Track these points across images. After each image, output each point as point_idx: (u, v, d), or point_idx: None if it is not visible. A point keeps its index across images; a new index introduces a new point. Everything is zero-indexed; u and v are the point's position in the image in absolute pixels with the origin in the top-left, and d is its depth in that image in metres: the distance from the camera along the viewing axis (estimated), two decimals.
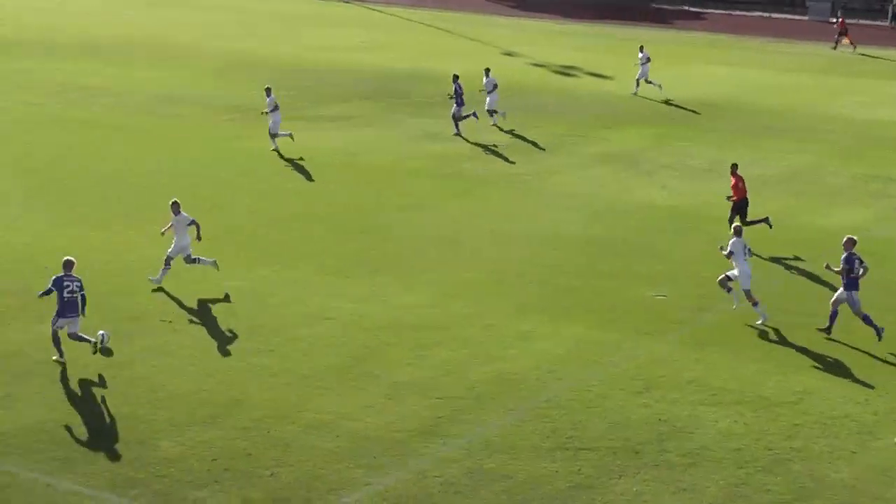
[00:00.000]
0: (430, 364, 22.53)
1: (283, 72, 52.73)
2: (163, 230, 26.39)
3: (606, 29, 71.41)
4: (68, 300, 21.71)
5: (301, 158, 37.33)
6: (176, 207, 25.89)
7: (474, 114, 41.60)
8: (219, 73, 52.21)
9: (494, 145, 39.99)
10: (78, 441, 19.17)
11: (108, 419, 19.96)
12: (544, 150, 40.09)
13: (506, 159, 38.55)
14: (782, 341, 24.05)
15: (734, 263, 24.99)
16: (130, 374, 21.63)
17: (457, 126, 41.40)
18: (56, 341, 21.91)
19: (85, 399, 20.62)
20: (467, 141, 40.39)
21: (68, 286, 21.72)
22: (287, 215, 31.69)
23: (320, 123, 42.97)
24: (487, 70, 43.07)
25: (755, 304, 24.84)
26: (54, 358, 21.88)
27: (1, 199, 31.80)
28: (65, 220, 30.24)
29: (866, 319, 23.93)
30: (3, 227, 29.19)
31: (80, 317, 21.92)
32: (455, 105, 41.46)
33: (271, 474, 18.44)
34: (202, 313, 24.62)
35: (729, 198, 30.30)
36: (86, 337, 21.99)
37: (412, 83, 41.49)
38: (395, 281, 26.93)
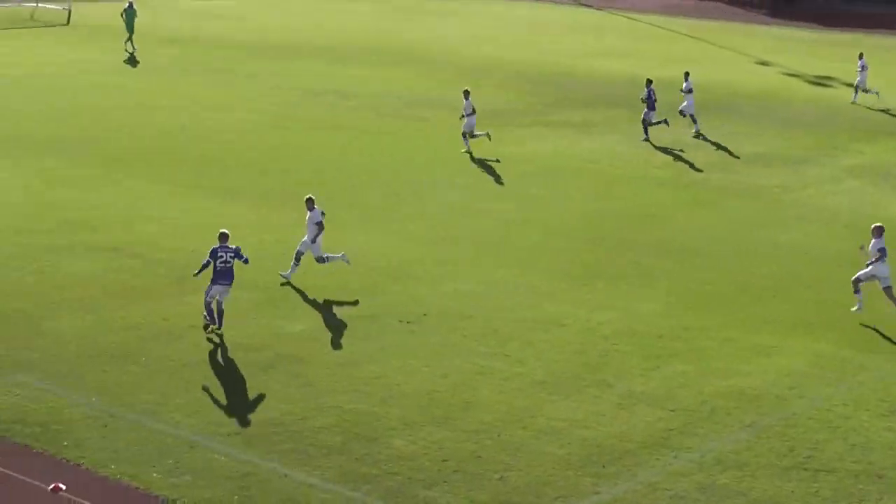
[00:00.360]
0: (664, 375, 22.17)
1: (526, 76, 52.96)
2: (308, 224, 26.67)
3: (867, 39, 68.93)
4: (221, 269, 23.21)
5: (497, 160, 37.39)
6: (310, 203, 26.35)
7: (665, 121, 41.31)
8: (463, 77, 52.74)
9: (681, 150, 39.22)
10: (314, 435, 19.63)
11: (343, 415, 20.35)
12: (795, 161, 39.03)
13: (753, 170, 37.68)
14: None
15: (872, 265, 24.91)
16: (366, 372, 22.02)
17: (646, 131, 41.09)
18: (209, 310, 23.27)
19: (321, 394, 21.08)
20: (654, 146, 39.70)
21: (222, 256, 23.20)
22: (526, 220, 31.74)
23: (562, 130, 42.91)
24: (686, 73, 42.90)
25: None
26: (210, 328, 23.02)
27: (248, 199, 32.81)
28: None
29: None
30: (255, 226, 30.12)
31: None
32: (647, 109, 41.23)
33: (500, 478, 18.46)
34: (439, 315, 24.87)
35: None
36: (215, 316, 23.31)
37: (658, 91, 41.01)
38: (632, 290, 26.63)
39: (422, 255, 28.60)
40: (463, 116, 39.10)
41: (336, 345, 23.20)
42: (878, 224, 25.57)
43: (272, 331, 23.74)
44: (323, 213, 26.32)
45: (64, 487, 17.61)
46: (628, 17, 77.56)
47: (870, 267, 25.14)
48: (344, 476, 18.36)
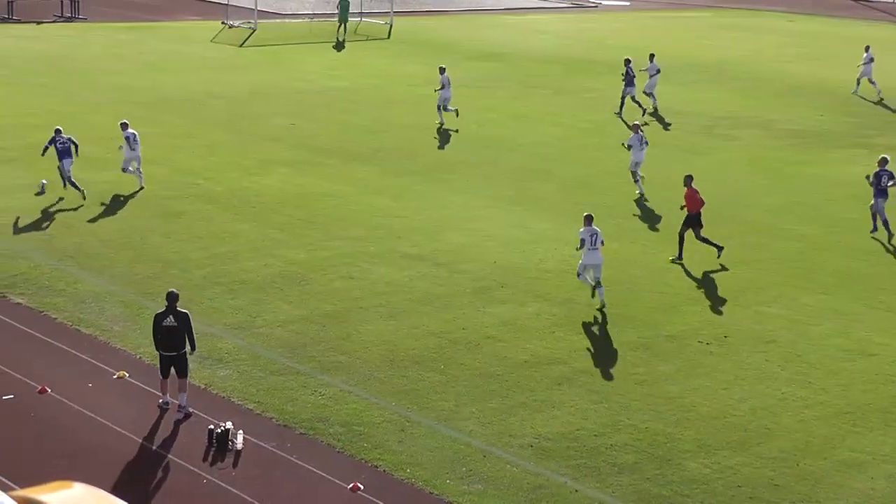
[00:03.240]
0: None
1: (841, 97, 51.19)
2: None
3: None
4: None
5: (813, 183, 36.02)
6: (588, 220, 25.84)
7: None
8: (779, 97, 51.51)
9: None
10: (607, 452, 19.52)
11: (637, 434, 20.16)
12: None
13: None
14: None
15: None
16: (663, 392, 21.75)
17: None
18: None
19: (616, 412, 20.94)
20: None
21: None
22: (835, 244, 30.65)
23: (884, 154, 41.12)
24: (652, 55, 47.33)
25: None
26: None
27: (555, 213, 32.95)
28: (614, 236, 30.88)
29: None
30: (558, 240, 30.22)
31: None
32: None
33: None
34: (740, 337, 24.32)
35: (682, 207, 29.14)
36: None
37: None
38: None
39: (723, 275, 28.03)
40: (437, 90, 43.03)
41: (633, 363, 23.03)
42: None
43: (569, 345, 23.76)
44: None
45: (362, 487, 18.16)
46: None
47: None
48: (635, 495, 18.18)
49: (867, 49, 51.70)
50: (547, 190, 35.06)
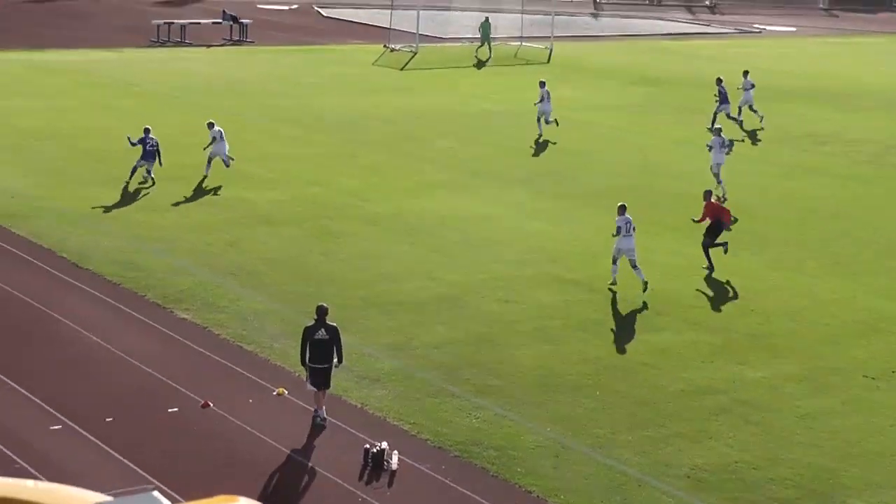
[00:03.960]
0: None
1: None
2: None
3: None
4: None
5: None
6: (621, 209, 27.91)
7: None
8: None
9: None
10: (766, 485, 19.08)
11: (798, 468, 19.69)
12: None
13: None
14: None
15: None
16: (826, 426, 21.22)
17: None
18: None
19: (777, 445, 20.49)
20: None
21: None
22: None
23: None
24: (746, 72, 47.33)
25: None
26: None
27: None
28: (777, 264, 30.31)
29: None
30: (721, 271, 29.77)
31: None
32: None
33: None
34: None
35: (697, 221, 29.90)
36: None
37: None
38: None
39: (892, 309, 27.24)
40: (536, 104, 44.27)
41: (795, 395, 22.52)
42: None
43: (727, 375, 23.35)
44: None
45: None
46: None
47: None
48: None
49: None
50: None
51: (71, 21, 72.22)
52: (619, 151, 42.70)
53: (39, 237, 30.00)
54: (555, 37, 70.97)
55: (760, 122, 47.94)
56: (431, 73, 59.88)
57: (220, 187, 35.19)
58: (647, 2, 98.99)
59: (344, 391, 21.89)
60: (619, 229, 27.76)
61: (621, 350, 24.40)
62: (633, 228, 27.80)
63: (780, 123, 49.18)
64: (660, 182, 38.51)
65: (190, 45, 64.73)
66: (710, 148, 36.93)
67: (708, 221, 29.69)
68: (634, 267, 27.67)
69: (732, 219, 30.46)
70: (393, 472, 19.12)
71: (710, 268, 29.26)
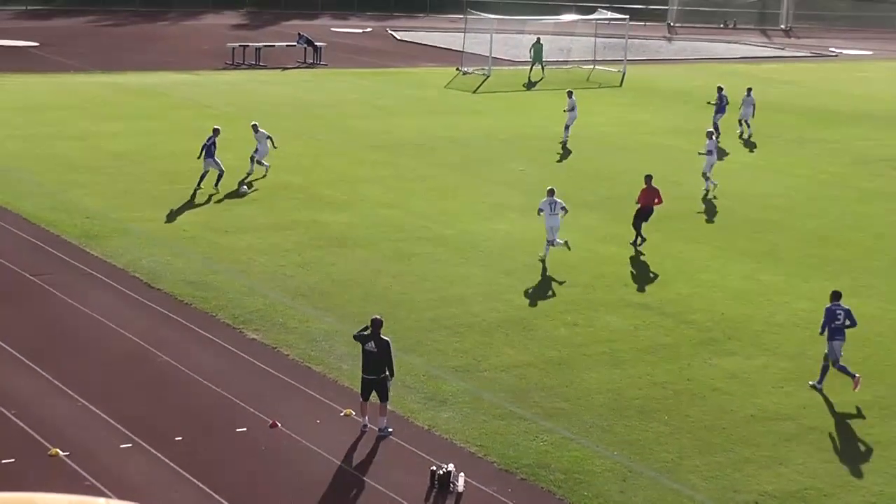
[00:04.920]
0: None
1: None
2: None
3: None
4: (835, 326, 23.72)
5: None
6: (550, 192, 31.35)
7: None
8: None
9: None
10: None
11: (869, 497, 19.49)
12: None
13: None
14: None
15: None
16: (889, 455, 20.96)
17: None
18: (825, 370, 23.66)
19: (847, 472, 20.25)
20: None
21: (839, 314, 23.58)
22: None
23: None
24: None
25: None
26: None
27: (785, 265, 32.17)
28: (849, 290, 29.97)
29: None
30: (788, 293, 29.49)
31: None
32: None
33: None
34: None
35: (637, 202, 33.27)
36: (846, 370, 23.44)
37: None
38: None
39: None
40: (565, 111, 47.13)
41: (867, 422, 22.23)
42: None
43: (798, 401, 23.10)
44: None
45: None
46: None
47: None
48: None
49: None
50: (780, 242, 34.27)
51: (149, 44, 73.29)
52: (691, 175, 42.45)
53: (113, 257, 30.43)
54: (628, 60, 70.85)
55: (744, 132, 50.42)
56: (504, 95, 59.99)
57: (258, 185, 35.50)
58: (721, 25, 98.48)
59: (411, 413, 21.95)
60: (541, 210, 31.45)
61: (691, 374, 24.23)
62: (562, 209, 31.34)
63: (856, 147, 48.70)
64: (732, 206, 38.23)
65: (265, 67, 65.42)
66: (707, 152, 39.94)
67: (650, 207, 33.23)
68: (552, 243, 31.09)
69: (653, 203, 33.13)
70: (459, 495, 19.12)
71: (638, 241, 32.87)
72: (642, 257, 32.07)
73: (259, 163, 39.11)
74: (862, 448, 21.17)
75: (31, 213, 33.98)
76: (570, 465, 20.22)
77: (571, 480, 19.68)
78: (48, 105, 51.08)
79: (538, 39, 66.71)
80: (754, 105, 50.87)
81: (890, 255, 33.38)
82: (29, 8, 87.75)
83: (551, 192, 31.73)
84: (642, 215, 33.22)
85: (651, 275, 30.65)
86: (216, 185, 37.15)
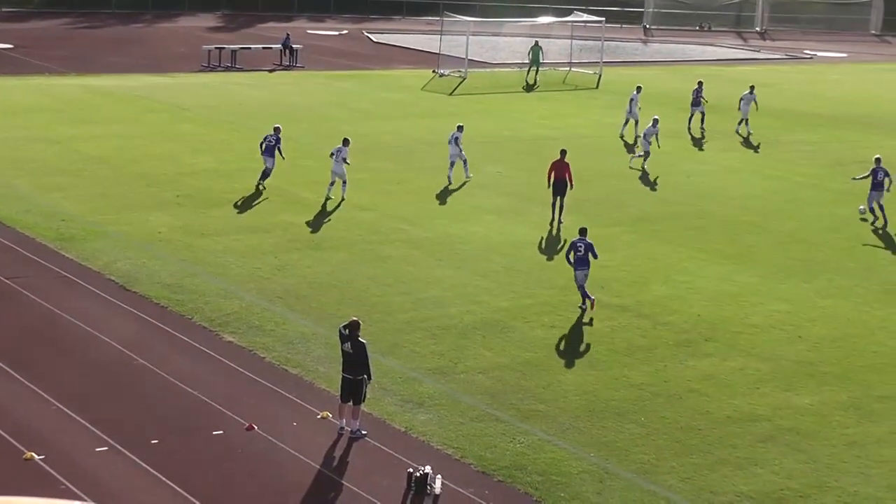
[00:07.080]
0: None
1: None
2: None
3: None
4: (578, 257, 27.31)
5: None
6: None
7: None
8: None
9: None
10: None
11: (844, 497, 19.54)
12: None
13: None
14: None
15: None
16: (874, 455, 21.04)
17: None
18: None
19: (823, 473, 20.30)
20: None
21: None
22: None
23: None
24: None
25: None
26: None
27: (761, 268, 32.27)
28: (825, 292, 30.08)
29: None
30: (763, 295, 29.60)
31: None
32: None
33: None
34: None
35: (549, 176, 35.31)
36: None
37: None
38: None
39: None
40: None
41: (843, 423, 22.31)
42: None
43: (774, 402, 23.18)
44: None
45: None
46: None
47: None
48: None
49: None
50: (757, 243, 34.38)
51: (125, 46, 73.06)
52: (668, 177, 42.56)
53: (89, 260, 30.30)
54: (604, 62, 70.99)
55: (741, 130, 51.75)
56: (480, 98, 60.02)
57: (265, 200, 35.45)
58: (697, 28, 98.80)
59: (388, 415, 21.92)
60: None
61: (667, 376, 24.27)
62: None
63: (832, 149, 48.94)
64: (709, 208, 38.35)
65: (241, 70, 65.29)
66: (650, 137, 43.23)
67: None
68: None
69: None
70: (436, 497, 19.10)
71: (555, 221, 35.02)
72: (560, 246, 32.11)
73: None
74: (837, 449, 21.24)
75: (6, 217, 33.84)
76: (547, 466, 20.22)
77: (548, 482, 19.69)
78: (24, 108, 50.88)
79: (536, 43, 66.68)
80: (755, 102, 52.06)
81: (864, 257, 33.52)
82: (4, 10, 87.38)
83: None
84: (557, 192, 35.32)
85: (628, 276, 30.69)
86: (261, 182, 38.17)
